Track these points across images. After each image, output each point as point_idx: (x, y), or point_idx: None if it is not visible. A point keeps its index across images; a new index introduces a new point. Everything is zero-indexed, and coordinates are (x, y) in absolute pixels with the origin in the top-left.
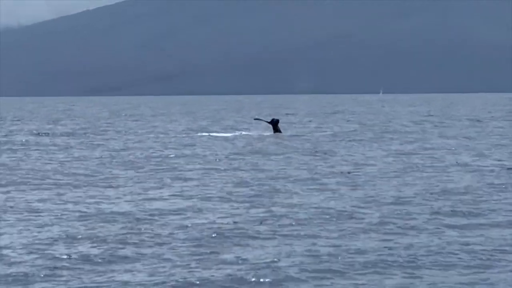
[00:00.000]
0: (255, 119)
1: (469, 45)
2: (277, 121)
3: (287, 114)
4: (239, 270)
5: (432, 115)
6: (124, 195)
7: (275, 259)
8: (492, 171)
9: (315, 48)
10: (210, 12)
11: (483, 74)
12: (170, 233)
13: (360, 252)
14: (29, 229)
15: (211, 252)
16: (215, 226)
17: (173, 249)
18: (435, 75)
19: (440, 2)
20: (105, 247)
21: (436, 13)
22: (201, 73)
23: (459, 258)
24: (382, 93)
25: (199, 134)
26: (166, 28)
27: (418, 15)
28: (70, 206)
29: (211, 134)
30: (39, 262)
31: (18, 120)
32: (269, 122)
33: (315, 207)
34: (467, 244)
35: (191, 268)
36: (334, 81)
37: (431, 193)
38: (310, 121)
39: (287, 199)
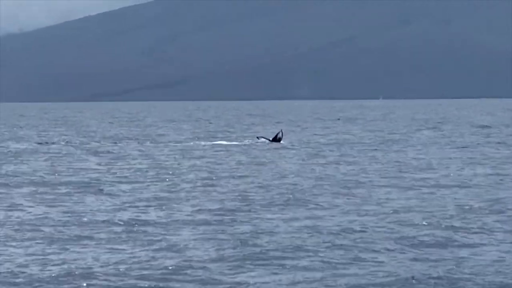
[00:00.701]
0: (258, 137)
1: (471, 50)
2: (280, 138)
3: (291, 120)
4: None
5: (438, 122)
6: (110, 206)
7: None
8: (485, 183)
9: (316, 54)
10: (212, 18)
11: (486, 79)
12: (153, 250)
13: (345, 274)
14: (11, 244)
15: (189, 273)
16: (193, 244)
17: (152, 265)
18: (436, 80)
19: (442, 7)
20: (83, 266)
21: (438, 19)
22: (203, 79)
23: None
24: (382, 98)
25: (196, 142)
26: (168, 34)
27: (419, 20)
28: (53, 216)
29: (207, 143)
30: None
31: (15, 127)
32: (272, 140)
33: (302, 225)
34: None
35: None
36: (337, 87)
37: (423, 210)
38: (307, 128)
39: (277, 212)
